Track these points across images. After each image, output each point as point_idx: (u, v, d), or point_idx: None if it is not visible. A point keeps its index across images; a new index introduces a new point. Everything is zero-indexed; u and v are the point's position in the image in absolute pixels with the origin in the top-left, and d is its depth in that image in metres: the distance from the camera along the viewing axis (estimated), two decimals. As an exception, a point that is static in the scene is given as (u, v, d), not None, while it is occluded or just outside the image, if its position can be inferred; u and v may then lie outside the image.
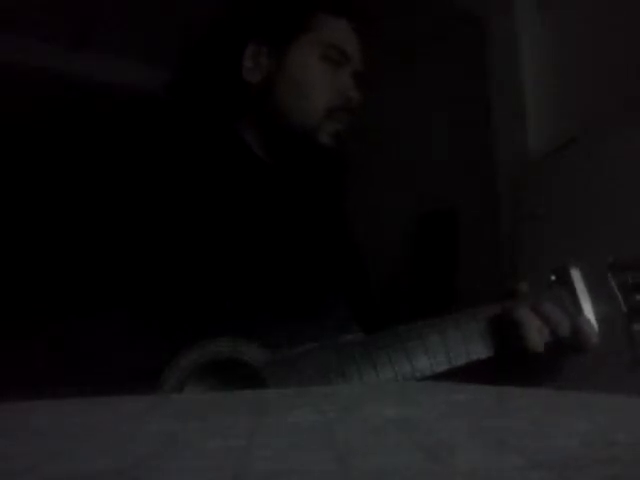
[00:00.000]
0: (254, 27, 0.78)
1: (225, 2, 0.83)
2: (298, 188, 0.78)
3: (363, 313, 0.64)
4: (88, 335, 0.54)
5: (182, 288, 0.61)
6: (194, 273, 0.63)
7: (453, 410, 0.28)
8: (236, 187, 0.72)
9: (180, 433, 0.23)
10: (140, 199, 0.66)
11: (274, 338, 0.57)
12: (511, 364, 0.64)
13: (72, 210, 0.64)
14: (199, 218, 0.67)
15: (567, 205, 1.47)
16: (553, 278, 0.67)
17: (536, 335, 0.61)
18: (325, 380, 0.56)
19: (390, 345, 0.59)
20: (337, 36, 0.78)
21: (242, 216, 0.70)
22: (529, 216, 1.57)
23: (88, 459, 0.19)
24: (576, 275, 0.65)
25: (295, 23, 0.77)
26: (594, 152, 1.42)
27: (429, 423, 0.24)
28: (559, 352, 0.64)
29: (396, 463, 0.16)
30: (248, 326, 0.57)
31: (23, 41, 2.09)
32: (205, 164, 0.72)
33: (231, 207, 0.70)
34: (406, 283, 2.09)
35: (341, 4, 0.79)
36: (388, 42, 2.09)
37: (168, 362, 0.53)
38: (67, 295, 0.59)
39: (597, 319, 0.64)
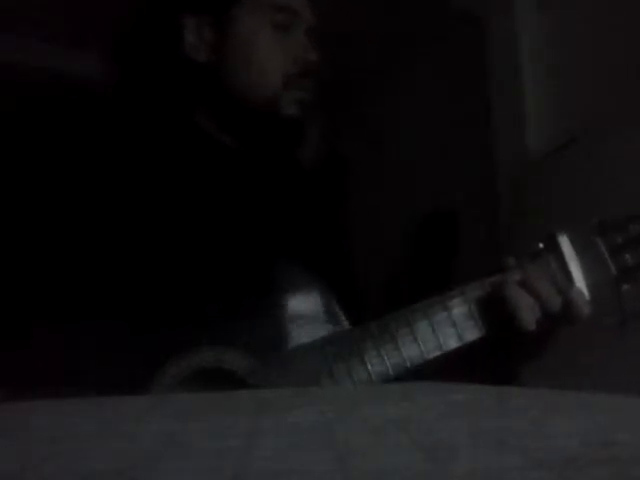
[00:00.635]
0: None
1: None
2: (267, 170, 0.73)
3: (350, 303, 0.62)
4: (67, 347, 0.53)
5: (161, 294, 0.59)
6: (172, 279, 0.60)
7: (453, 410, 0.28)
8: (203, 180, 0.68)
9: (180, 433, 0.23)
10: (110, 204, 0.63)
11: (259, 340, 0.56)
12: (503, 342, 0.62)
13: (66, 212, 0.63)
14: (170, 220, 0.63)
15: (566, 205, 1.47)
16: (541, 246, 0.66)
17: (528, 313, 0.60)
18: (314, 380, 0.55)
19: (377, 336, 0.57)
20: None
21: (214, 212, 0.66)
22: (528, 216, 1.57)
23: (88, 459, 0.19)
24: (564, 241, 0.64)
25: None
26: (594, 152, 1.42)
27: (429, 423, 0.24)
28: (551, 325, 0.63)
29: (396, 463, 0.16)
30: (232, 329, 0.56)
31: (23, 41, 2.09)
32: (167, 160, 0.68)
33: (200, 204, 0.66)
34: (406, 283, 2.09)
35: None
36: (388, 42, 2.10)
37: (153, 373, 0.53)
38: (45, 307, 0.57)
39: (587, 284, 0.63)
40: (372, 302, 0.80)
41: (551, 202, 1.53)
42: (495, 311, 0.61)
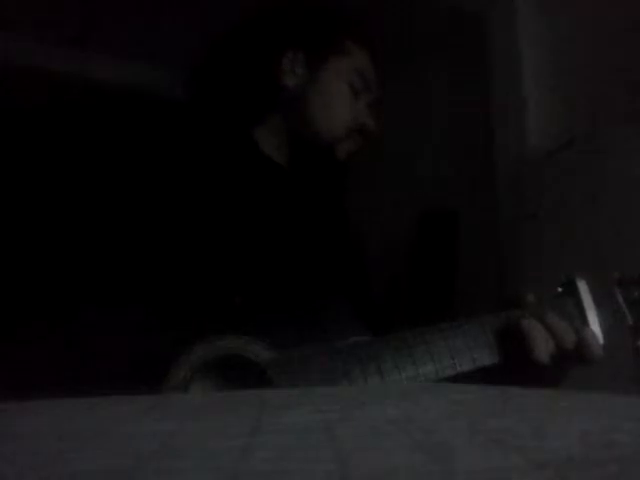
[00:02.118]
0: (295, 34, 0.84)
1: (251, 5, 0.86)
2: (308, 192, 0.82)
3: (365, 314, 0.64)
4: (96, 331, 0.55)
5: (192, 284, 0.62)
6: (205, 270, 0.64)
7: (453, 410, 0.28)
8: (248, 188, 0.75)
9: (180, 433, 0.23)
10: (153, 197, 0.67)
11: (281, 338, 0.57)
12: (515, 373, 0.64)
13: (81, 209, 0.65)
14: (212, 216, 0.68)
15: (567, 205, 1.47)
16: (560, 290, 0.67)
17: (542, 348, 0.62)
18: (330, 382, 0.56)
19: (396, 349, 0.59)
20: (363, 65, 0.85)
21: (254, 216, 0.72)
22: (529, 216, 1.57)
23: (88, 459, 0.19)
24: (583, 288, 0.66)
25: (334, 41, 0.84)
26: (594, 152, 1.42)
27: (429, 423, 0.24)
28: (563, 363, 0.64)
29: (396, 463, 0.16)
30: (256, 325, 0.57)
31: (23, 41, 2.09)
32: (218, 164, 0.74)
33: (243, 207, 0.72)
34: (406, 284, 2.09)
35: (367, 37, 0.88)
36: (388, 42, 2.09)
37: (176, 357, 0.54)
38: (78, 291, 0.59)
39: (603, 332, 0.64)
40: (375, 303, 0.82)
41: (551, 202, 1.53)
42: (511, 343, 0.63)
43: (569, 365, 0.65)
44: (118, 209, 0.66)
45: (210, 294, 0.60)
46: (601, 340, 0.64)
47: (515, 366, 0.63)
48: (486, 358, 0.62)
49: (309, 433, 0.22)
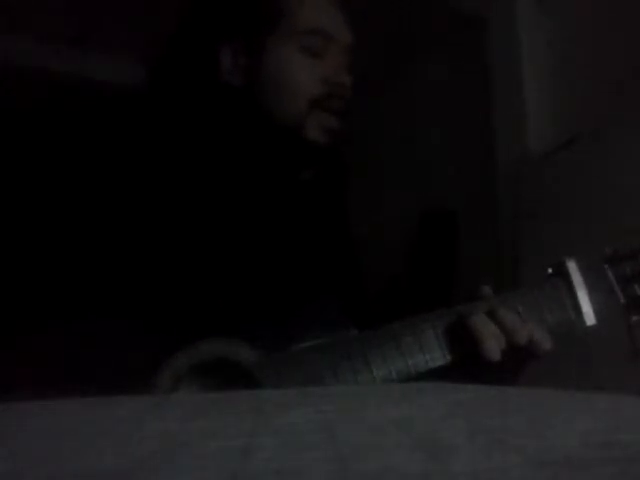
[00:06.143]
0: (225, 27, 0.74)
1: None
2: (294, 186, 0.76)
3: (357, 311, 0.63)
4: (82, 338, 0.54)
5: (176, 289, 0.60)
6: (188, 273, 0.62)
7: (453, 410, 0.28)
8: (229, 188, 0.71)
9: (180, 433, 0.23)
10: (136, 201, 0.65)
11: (267, 339, 0.57)
12: (470, 370, 0.62)
13: (71, 213, 0.64)
14: (194, 219, 0.66)
15: (567, 205, 1.47)
16: (550, 271, 0.66)
17: (492, 343, 0.59)
18: (318, 380, 0.56)
19: (384, 343, 0.59)
20: (315, 18, 0.73)
21: (236, 217, 0.69)
22: (529, 216, 1.57)
23: (88, 459, 0.19)
24: (572, 267, 0.65)
25: (265, 13, 0.72)
26: (594, 152, 1.42)
27: (429, 423, 0.24)
28: (518, 358, 0.62)
29: (396, 463, 0.16)
30: (241, 327, 0.57)
31: (23, 41, 2.09)
32: (198, 166, 0.70)
33: (225, 207, 0.69)
34: (406, 284, 2.09)
35: None
36: (387, 43, 2.09)
37: (162, 363, 0.53)
38: (64, 299, 0.58)
39: (595, 311, 0.64)
40: (372, 302, 0.81)
41: (551, 202, 1.53)
42: (461, 339, 0.61)
43: (523, 360, 0.63)
44: (114, 212, 0.64)
45: (193, 299, 0.59)
46: (594, 319, 0.63)
47: (467, 363, 0.61)
48: (437, 359, 0.60)
49: (309, 433, 0.22)
